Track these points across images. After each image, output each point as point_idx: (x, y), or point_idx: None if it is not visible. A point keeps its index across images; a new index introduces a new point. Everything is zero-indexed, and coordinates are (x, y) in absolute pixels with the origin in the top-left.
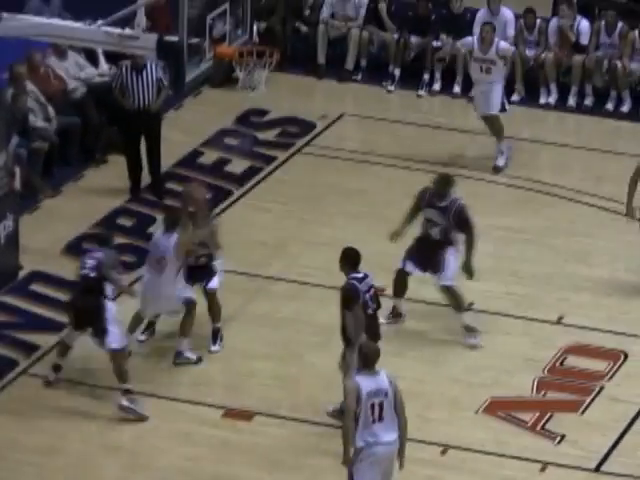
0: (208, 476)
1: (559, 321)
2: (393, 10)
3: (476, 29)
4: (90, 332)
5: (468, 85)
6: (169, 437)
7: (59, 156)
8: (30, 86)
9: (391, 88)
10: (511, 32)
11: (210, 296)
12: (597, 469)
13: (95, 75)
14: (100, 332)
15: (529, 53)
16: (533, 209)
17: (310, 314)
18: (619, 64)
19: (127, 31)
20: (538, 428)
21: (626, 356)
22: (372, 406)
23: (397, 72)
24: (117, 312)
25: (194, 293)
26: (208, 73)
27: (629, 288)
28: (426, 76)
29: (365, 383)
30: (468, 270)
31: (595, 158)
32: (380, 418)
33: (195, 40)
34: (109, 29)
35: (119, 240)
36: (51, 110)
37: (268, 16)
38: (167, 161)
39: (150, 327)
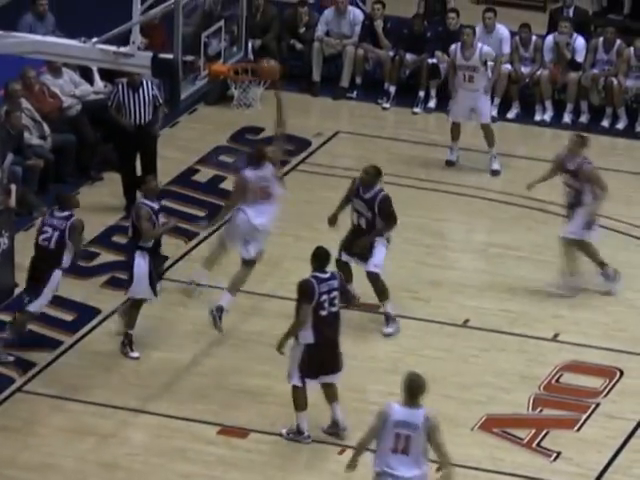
0: None
1: (555, 338)
2: (389, 27)
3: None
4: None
5: None
6: (164, 454)
7: (54, 173)
8: (25, 103)
9: (386, 105)
10: (507, 49)
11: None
12: None
13: (90, 92)
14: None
15: (524, 70)
16: (528, 226)
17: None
18: (615, 81)
19: (122, 49)
20: (534, 445)
21: (622, 373)
22: (397, 436)
23: (392, 89)
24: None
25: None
26: (203, 91)
27: (625, 305)
28: (421, 93)
29: (397, 411)
30: (363, 245)
31: None
32: (404, 451)
33: (190, 58)
34: (104, 47)
35: (114, 258)
36: (46, 127)
37: (263, 33)
38: (162, 178)
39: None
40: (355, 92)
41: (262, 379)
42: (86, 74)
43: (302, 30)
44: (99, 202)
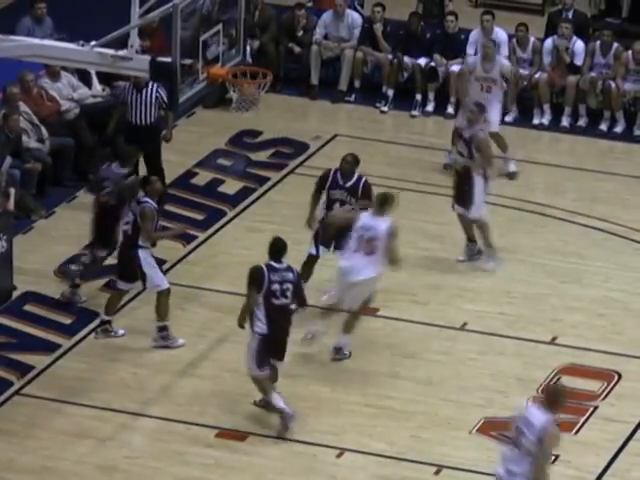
0: None
1: (552, 341)
2: (389, 31)
3: (470, 49)
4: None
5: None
6: (162, 457)
7: (52, 177)
8: (23, 107)
9: (384, 109)
10: (505, 52)
11: None
12: None
13: (88, 96)
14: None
15: (522, 72)
16: (526, 229)
17: (301, 334)
18: (613, 85)
19: (120, 52)
20: None
21: (620, 376)
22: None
23: (390, 93)
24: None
25: None
26: (202, 94)
27: (622, 308)
28: (418, 97)
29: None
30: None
31: (588, 178)
32: (515, 446)
33: (188, 61)
34: (102, 50)
35: (112, 261)
36: (44, 131)
37: (261, 36)
38: None
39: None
40: (353, 95)
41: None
42: (84, 77)
43: (300, 33)
44: None
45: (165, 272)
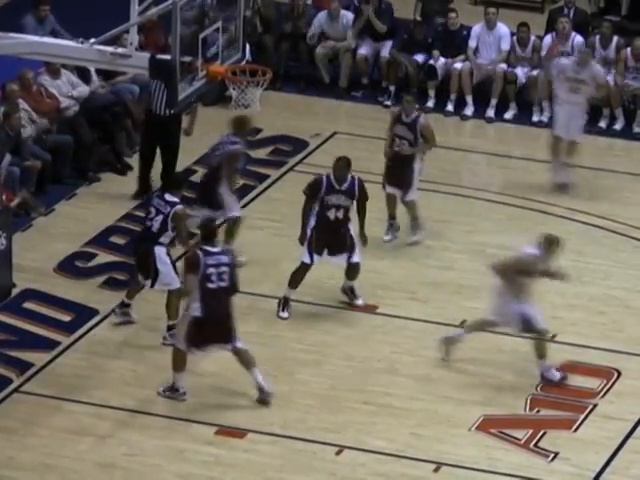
0: None
1: (552, 339)
2: (384, 8)
3: (472, 43)
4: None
5: (461, 103)
6: (162, 454)
7: (52, 174)
8: (23, 104)
9: (388, 103)
10: (505, 46)
11: None
12: None
13: (87, 93)
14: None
15: (522, 70)
16: (525, 227)
17: (302, 331)
18: (612, 81)
19: (120, 50)
20: (531, 445)
21: (619, 374)
22: None
23: (392, 89)
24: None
25: None
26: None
27: (622, 306)
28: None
29: None
30: (363, 238)
31: (588, 176)
32: None
33: (188, 58)
34: (101, 47)
35: (112, 258)
36: (44, 127)
37: (261, 34)
38: (158, 180)
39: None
40: (361, 92)
41: None
42: (83, 72)
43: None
44: (96, 203)
45: None
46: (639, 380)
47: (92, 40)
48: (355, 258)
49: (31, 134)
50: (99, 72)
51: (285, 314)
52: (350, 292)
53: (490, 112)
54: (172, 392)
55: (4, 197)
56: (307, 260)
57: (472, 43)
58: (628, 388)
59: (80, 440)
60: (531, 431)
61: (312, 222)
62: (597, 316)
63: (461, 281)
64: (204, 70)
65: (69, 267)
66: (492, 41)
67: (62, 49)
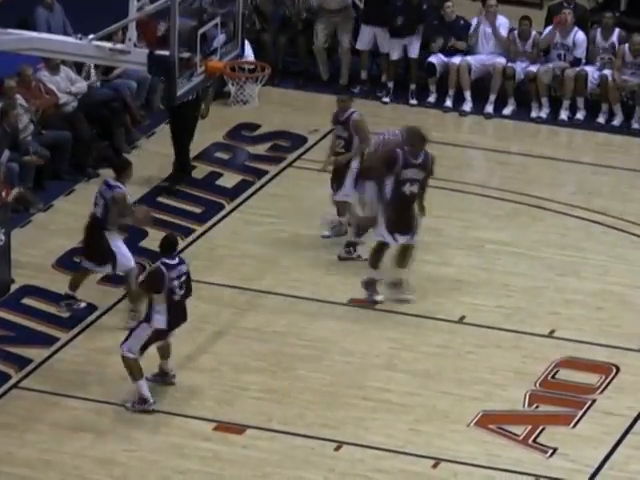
0: None
1: (550, 334)
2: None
3: (472, 35)
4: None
5: (460, 99)
6: (161, 450)
7: (50, 170)
8: (21, 100)
9: (386, 99)
10: (504, 33)
11: None
12: None
13: (86, 89)
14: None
15: (521, 65)
16: (524, 222)
17: (301, 327)
18: (610, 77)
19: (118, 45)
20: (530, 441)
21: (618, 369)
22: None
23: (391, 85)
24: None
25: None
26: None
27: (620, 301)
28: (413, 87)
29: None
30: (423, 210)
31: (586, 171)
32: None
33: (186, 54)
34: (100, 43)
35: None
36: (42, 123)
37: (259, 31)
38: (158, 174)
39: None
40: (358, 87)
41: (258, 375)
42: (80, 66)
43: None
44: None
45: None
46: (637, 376)
47: (91, 36)
48: (415, 238)
49: (30, 130)
50: (97, 67)
51: (380, 297)
52: (399, 285)
53: (489, 108)
54: (142, 404)
55: (4, 193)
56: (390, 241)
57: (472, 35)
58: (627, 384)
59: (79, 436)
60: (530, 427)
61: (389, 200)
62: (595, 311)
63: (459, 277)
64: (203, 66)
65: (68, 263)
66: (492, 34)
67: (61, 45)
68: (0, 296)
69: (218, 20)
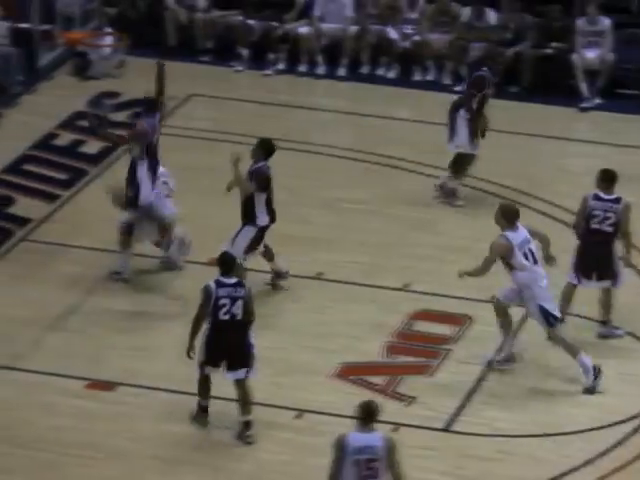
0: (74, 446)
1: (405, 288)
2: None
3: (316, 11)
4: None
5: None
6: (33, 408)
7: None
8: None
9: (240, 68)
10: (349, 14)
11: None
12: (446, 429)
13: None
14: None
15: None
16: (377, 181)
17: (164, 285)
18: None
19: None
20: (389, 391)
21: (472, 320)
22: (357, 462)
23: (245, 53)
24: None
25: None
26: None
27: (474, 254)
28: (272, 56)
29: (355, 438)
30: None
31: (433, 131)
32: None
33: (46, 27)
34: None
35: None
36: None
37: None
38: (23, 144)
39: None
40: (208, 56)
41: (126, 334)
42: None
43: None
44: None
45: (31, 230)
46: (490, 325)
47: None
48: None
49: None
50: None
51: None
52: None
53: (341, 71)
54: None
55: None
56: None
57: (316, 11)
58: (480, 334)
59: None
60: (389, 377)
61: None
62: (449, 265)
63: (315, 234)
64: (62, 38)
65: None
66: (334, 9)
67: None
68: None
69: None
